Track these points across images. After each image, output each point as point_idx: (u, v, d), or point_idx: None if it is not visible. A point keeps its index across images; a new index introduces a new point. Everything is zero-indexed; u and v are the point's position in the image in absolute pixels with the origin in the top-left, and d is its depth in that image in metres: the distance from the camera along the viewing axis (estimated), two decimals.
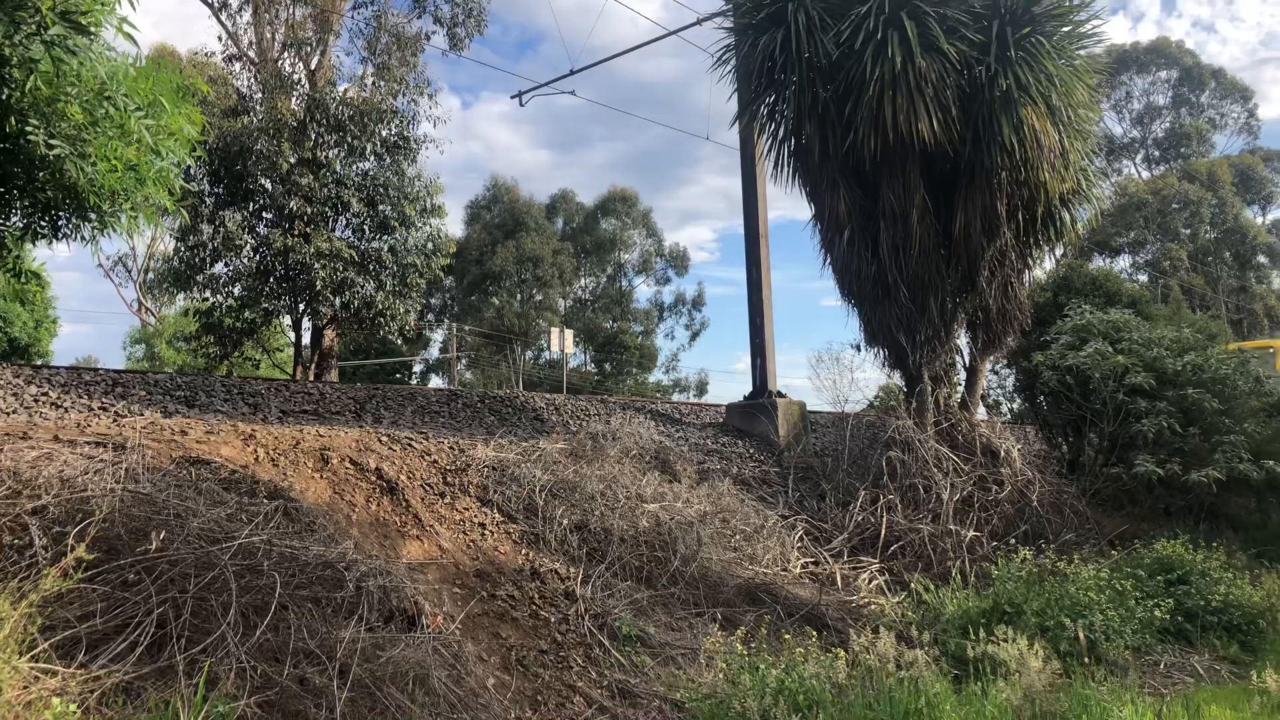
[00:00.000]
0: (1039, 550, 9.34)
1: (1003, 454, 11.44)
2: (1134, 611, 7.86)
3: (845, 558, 9.43)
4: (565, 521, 7.92)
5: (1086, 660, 6.77)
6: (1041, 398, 13.42)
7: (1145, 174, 53.82)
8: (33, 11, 4.72)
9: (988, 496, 10.81)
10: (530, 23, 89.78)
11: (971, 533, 10.04)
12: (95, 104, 5.08)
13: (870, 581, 8.97)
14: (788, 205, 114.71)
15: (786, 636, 6.92)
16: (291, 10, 25.99)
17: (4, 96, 4.87)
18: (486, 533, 7.61)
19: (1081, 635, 7.02)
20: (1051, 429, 13.76)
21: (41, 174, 5.21)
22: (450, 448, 8.66)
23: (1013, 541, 10.01)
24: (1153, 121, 54.58)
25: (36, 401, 7.70)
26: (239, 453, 7.16)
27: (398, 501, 7.44)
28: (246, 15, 25.96)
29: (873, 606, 8.32)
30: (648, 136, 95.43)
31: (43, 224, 5.70)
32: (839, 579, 8.90)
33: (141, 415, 7.84)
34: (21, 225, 5.73)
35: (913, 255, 11.22)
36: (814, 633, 7.09)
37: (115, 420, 7.48)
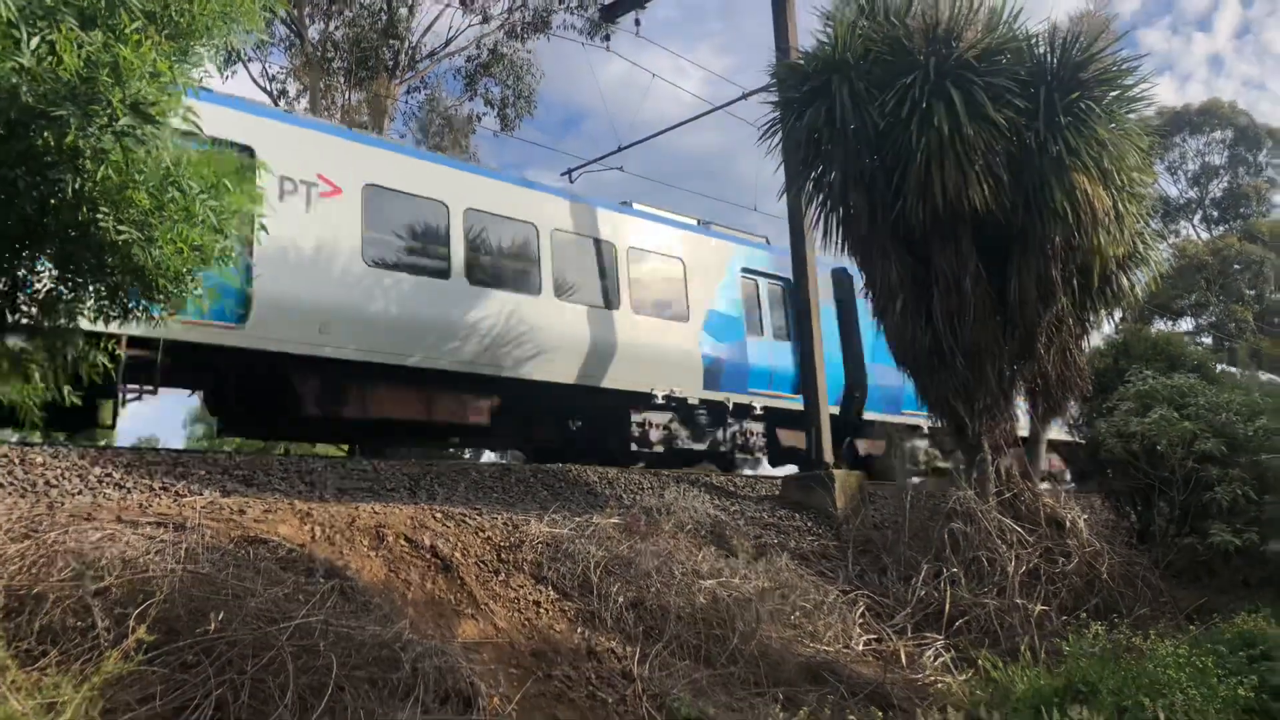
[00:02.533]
0: (1112, 625, 8.99)
1: (1068, 524, 11.10)
2: (1216, 690, 7.48)
3: (909, 634, 9.16)
4: (621, 599, 7.81)
5: None
6: (1107, 466, 13.06)
7: (1204, 235, 53.00)
8: (104, 105, 4.92)
9: (1054, 569, 10.47)
10: (573, 100, 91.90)
11: (1039, 607, 9.71)
12: (162, 189, 5.26)
13: (936, 659, 8.69)
14: None
15: (851, 717, 6.71)
16: (347, 96, 26.94)
17: (77, 186, 5.06)
18: (541, 611, 7.53)
19: (1162, 716, 6.71)
20: (1118, 498, 13.36)
21: (111, 259, 5.38)
22: (504, 524, 8.63)
23: (1083, 615, 9.65)
24: (1209, 182, 53.89)
25: (100, 482, 7.84)
26: (296, 531, 7.20)
27: (452, 579, 7.41)
28: (304, 102, 26.95)
29: (939, 685, 8.04)
30: (692, 207, 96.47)
31: (113, 307, 5.87)
32: (903, 656, 8.63)
33: (201, 495, 7.94)
34: (93, 309, 5.91)
35: (968, 323, 11.08)
36: (879, 713, 6.87)
37: (176, 500, 7.58)
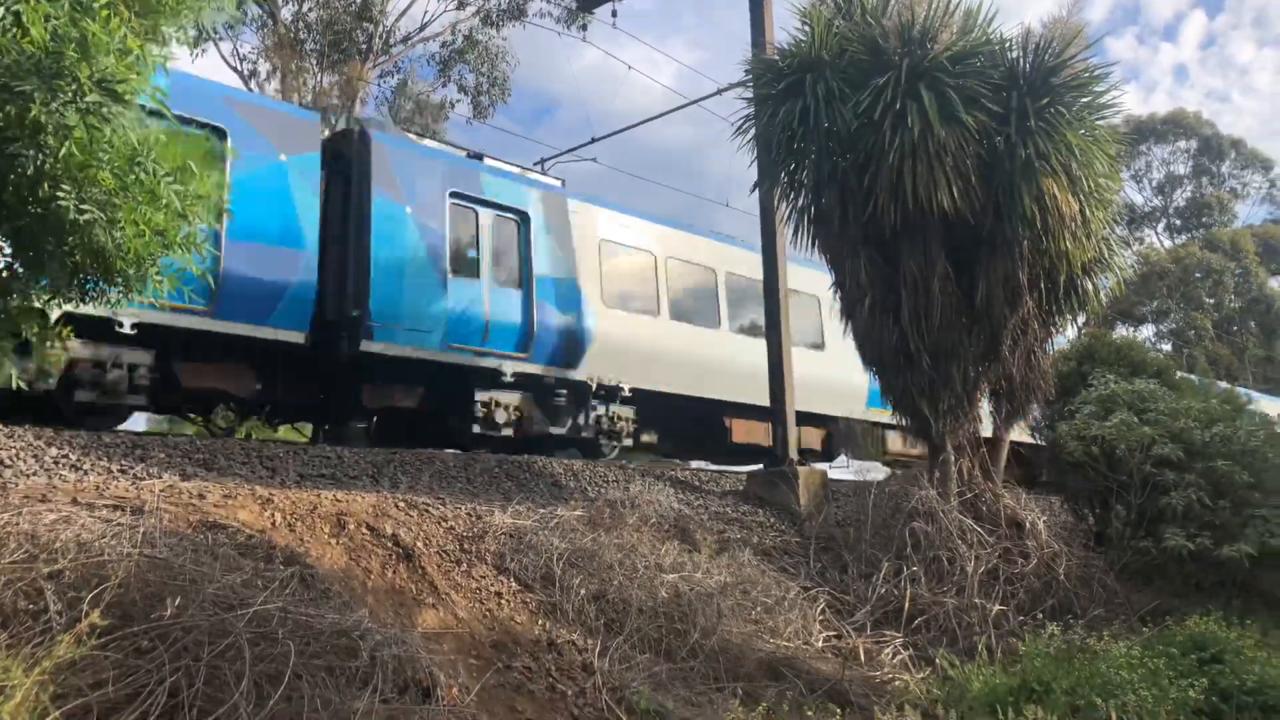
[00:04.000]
0: (1067, 626, 9.11)
1: (1028, 526, 11.23)
2: (1167, 691, 7.61)
3: (868, 631, 9.23)
4: (583, 591, 7.80)
5: None
6: (1067, 468, 13.22)
7: (1167, 243, 53.84)
8: (70, 80, 4.81)
9: (1013, 569, 10.59)
10: (545, 89, 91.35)
11: (997, 606, 9.82)
12: (126, 170, 5.15)
13: (894, 656, 8.77)
14: None
15: (809, 713, 6.75)
16: (320, 78, 26.65)
17: (39, 162, 4.94)
18: (503, 602, 7.50)
19: (1114, 716, 6.81)
20: (1077, 500, 13.54)
21: (71, 239, 5.27)
22: (468, 514, 8.59)
23: (1040, 616, 9.78)
24: (1174, 191, 54.74)
25: (57, 463, 7.71)
26: (256, 517, 7.12)
27: (414, 569, 7.36)
28: (275, 83, 26.65)
29: (897, 682, 8.12)
30: (662, 200, 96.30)
31: (70, 288, 5.75)
32: (862, 653, 8.69)
33: (160, 478, 7.84)
34: (50, 288, 5.79)
35: (935, 324, 11.16)
36: (837, 710, 6.93)
37: (134, 483, 7.47)
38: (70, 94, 4.84)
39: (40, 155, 4.93)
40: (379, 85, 28.40)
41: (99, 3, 5.00)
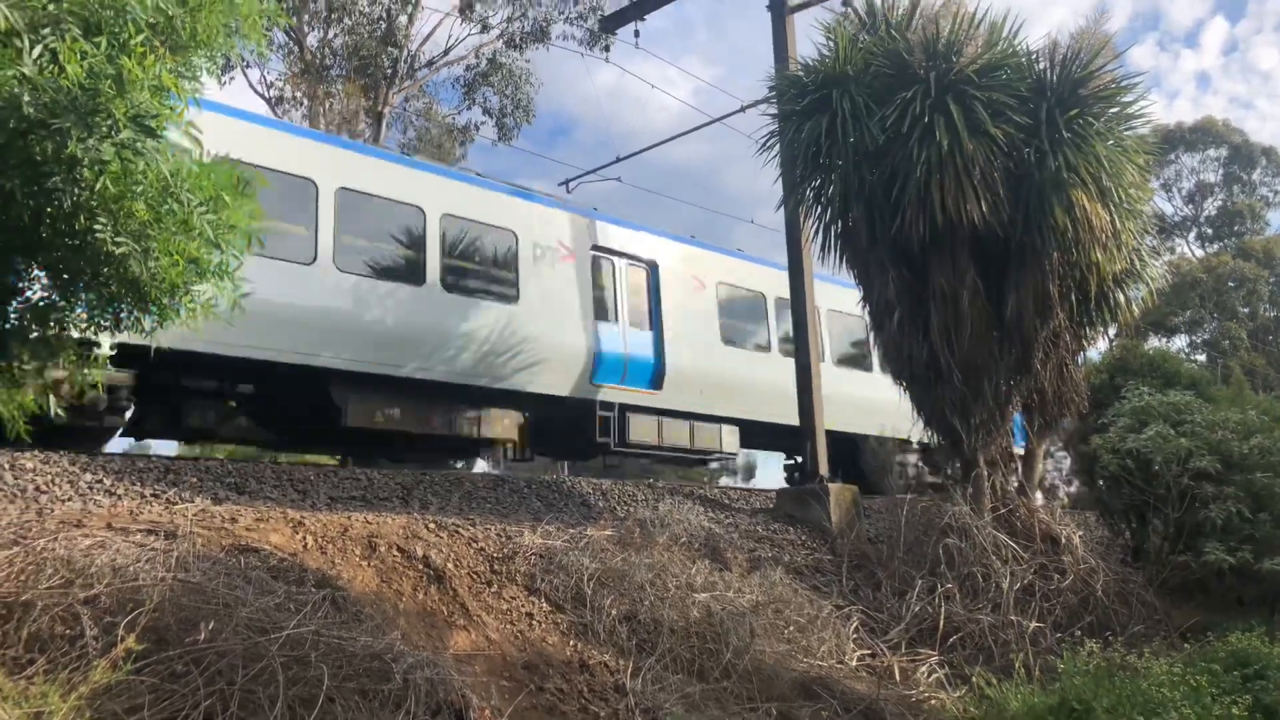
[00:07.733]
0: (1106, 643, 8.97)
1: (1063, 541, 11.08)
2: (1210, 709, 7.47)
3: (903, 650, 9.13)
4: (614, 612, 7.77)
5: None
6: (1101, 482, 13.05)
7: (1199, 252, 53.12)
8: (105, 116, 4.89)
9: (1049, 585, 10.45)
10: (562, 109, 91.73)
11: (1034, 624, 9.69)
12: (160, 201, 5.22)
13: (929, 675, 8.66)
14: None
15: None
16: (345, 103, 26.96)
17: (75, 196, 5.02)
18: (534, 623, 7.49)
19: None
20: (1113, 515, 13.35)
21: (106, 269, 5.34)
22: (497, 534, 8.59)
23: (1078, 633, 9.63)
24: (1204, 199, 54.03)
25: (91, 489, 7.79)
26: (288, 540, 7.16)
27: (445, 590, 7.37)
28: (302, 109, 26.98)
29: (933, 702, 8.02)
30: (682, 217, 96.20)
31: (105, 317, 5.83)
32: (897, 672, 8.60)
33: (193, 502, 7.90)
34: (86, 318, 5.87)
35: (965, 338, 11.08)
36: None
37: (167, 507, 7.54)
38: (106, 129, 4.92)
39: (76, 189, 5.01)
40: (404, 108, 28.68)
41: (135, 40, 5.09)
